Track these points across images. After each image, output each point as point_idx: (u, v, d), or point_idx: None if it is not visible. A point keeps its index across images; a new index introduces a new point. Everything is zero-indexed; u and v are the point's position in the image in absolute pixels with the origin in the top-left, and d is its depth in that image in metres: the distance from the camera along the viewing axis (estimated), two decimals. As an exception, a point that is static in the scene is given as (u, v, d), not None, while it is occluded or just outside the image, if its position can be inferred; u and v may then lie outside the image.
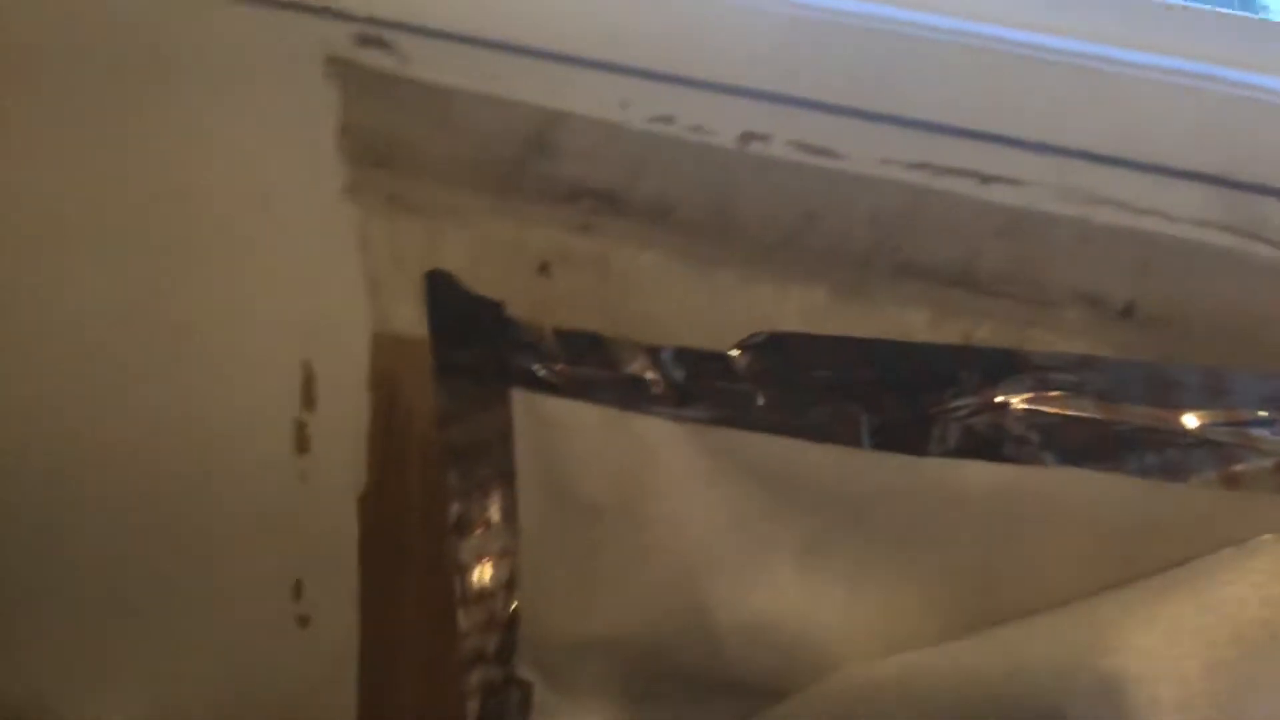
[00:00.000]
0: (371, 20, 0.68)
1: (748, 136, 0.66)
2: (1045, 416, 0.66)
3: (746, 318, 0.69)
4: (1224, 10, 0.66)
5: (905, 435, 0.68)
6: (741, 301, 0.70)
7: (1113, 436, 0.65)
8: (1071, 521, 0.67)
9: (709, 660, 0.76)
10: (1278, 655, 0.60)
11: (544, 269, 0.72)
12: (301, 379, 0.80)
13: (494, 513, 0.79)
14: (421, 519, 0.82)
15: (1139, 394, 0.65)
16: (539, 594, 0.80)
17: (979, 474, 0.67)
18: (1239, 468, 0.64)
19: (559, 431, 0.74)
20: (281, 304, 0.78)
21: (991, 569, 0.69)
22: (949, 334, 0.68)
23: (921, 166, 0.64)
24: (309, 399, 0.80)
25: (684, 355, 0.70)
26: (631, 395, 0.71)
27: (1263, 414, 0.63)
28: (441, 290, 0.73)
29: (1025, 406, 0.66)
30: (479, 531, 0.79)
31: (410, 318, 0.75)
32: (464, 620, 0.81)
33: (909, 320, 0.68)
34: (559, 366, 0.73)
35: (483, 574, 0.81)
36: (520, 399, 0.74)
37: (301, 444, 0.82)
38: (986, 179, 0.64)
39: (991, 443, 0.67)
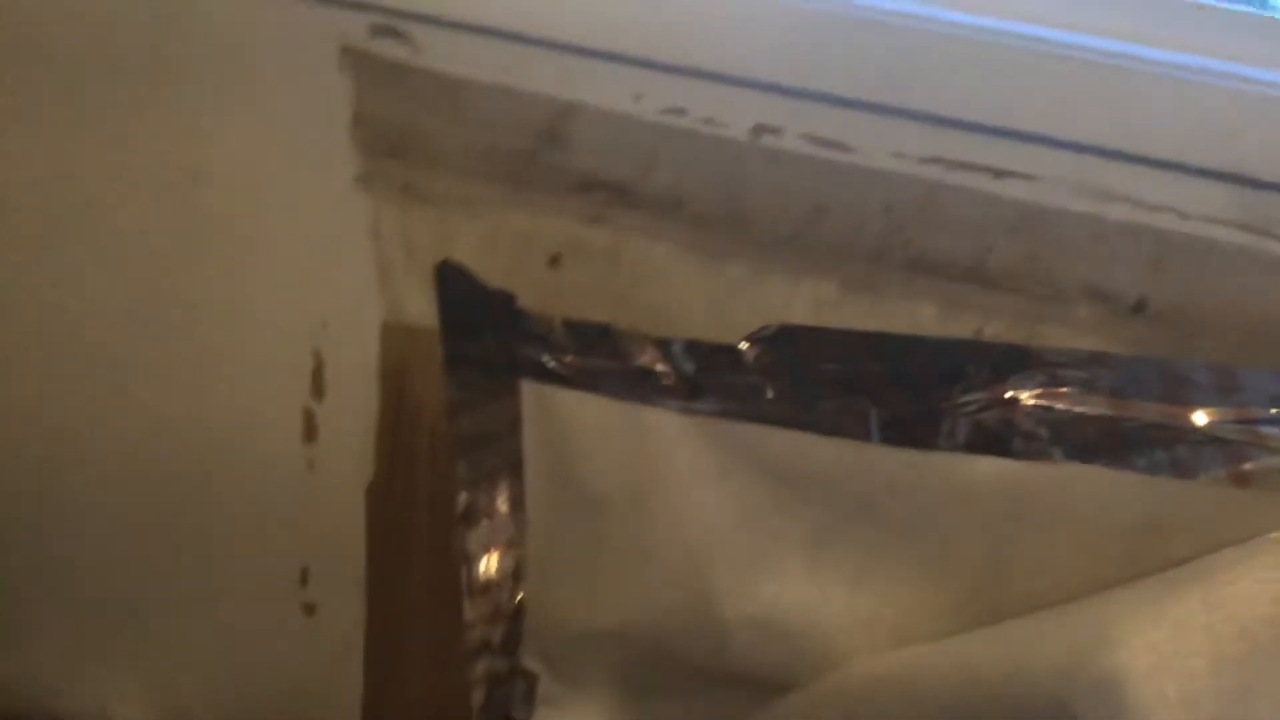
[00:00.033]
0: (386, 11, 0.68)
1: (760, 129, 0.66)
2: (1055, 412, 0.66)
3: (757, 311, 0.69)
4: (1239, 7, 0.66)
5: (914, 430, 0.68)
6: (752, 294, 0.70)
7: (1122, 433, 0.65)
8: (1079, 518, 0.67)
9: (714, 653, 0.76)
10: (1285, 653, 0.60)
11: (555, 260, 0.72)
12: (311, 368, 0.80)
13: (501, 504, 0.79)
14: (429, 509, 0.82)
15: (1149, 391, 0.65)
16: (545, 585, 0.80)
17: (987, 469, 0.67)
18: (1248, 466, 0.64)
19: (568, 423, 0.74)
20: (292, 293, 0.78)
21: (999, 564, 0.69)
22: (959, 329, 0.68)
23: (934, 161, 0.64)
24: (318, 388, 0.80)
25: (694, 348, 0.70)
26: (641, 387, 0.71)
27: (1273, 412, 0.63)
28: (452, 281, 0.73)
29: (1035, 402, 0.66)
30: (486, 522, 0.79)
31: (420, 308, 0.75)
32: (470, 610, 0.81)
33: (919, 315, 0.68)
34: (569, 358, 0.73)
35: (489, 564, 0.81)
36: (529, 390, 0.74)
37: (310, 433, 0.82)
38: (999, 174, 0.64)
39: (1000, 438, 0.67)
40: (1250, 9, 0.67)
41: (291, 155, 0.74)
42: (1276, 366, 0.63)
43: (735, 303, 0.70)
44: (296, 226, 0.76)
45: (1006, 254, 0.66)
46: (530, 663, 0.83)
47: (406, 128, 0.71)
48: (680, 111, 0.66)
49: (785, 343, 0.69)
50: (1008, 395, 0.66)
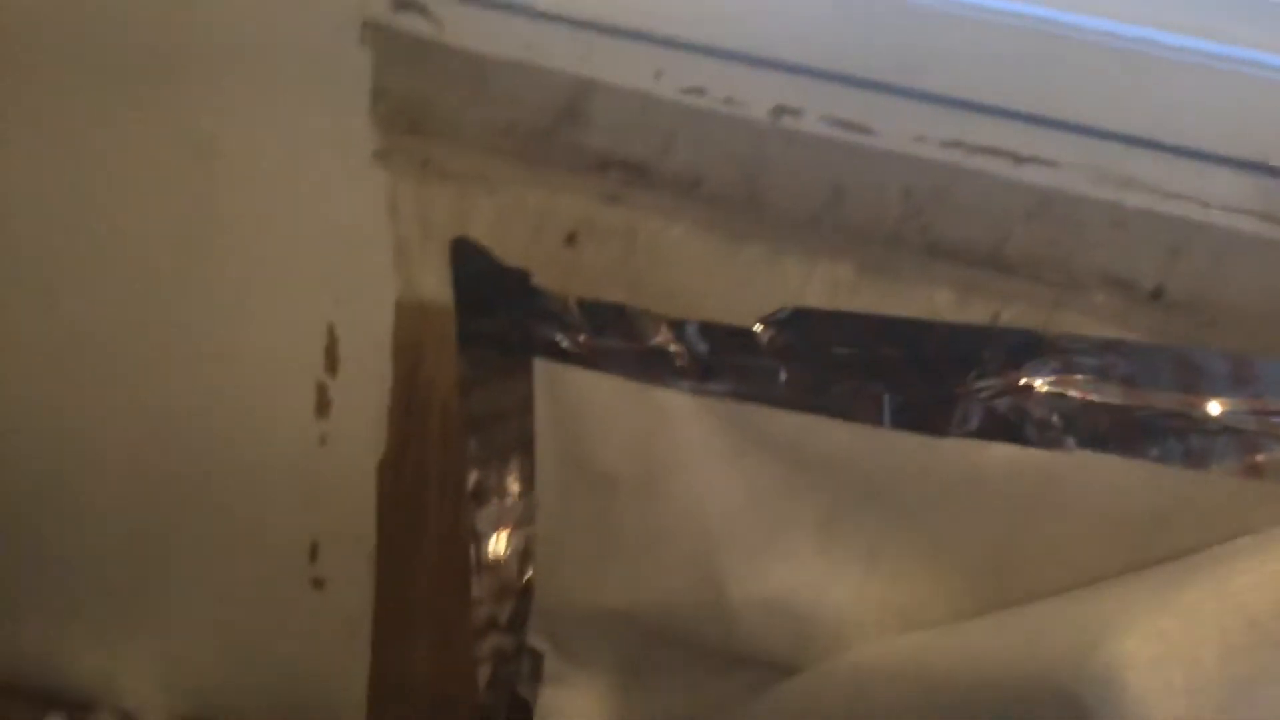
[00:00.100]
0: (408, -15, 0.68)
1: (780, 110, 0.66)
2: (1068, 400, 0.66)
3: (772, 292, 0.69)
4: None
5: (927, 415, 0.68)
6: (768, 276, 0.70)
7: (1136, 422, 0.65)
8: (1091, 506, 0.67)
9: (722, 634, 0.76)
10: (1293, 644, 0.60)
11: (571, 239, 0.72)
12: (325, 342, 0.80)
13: (512, 482, 0.79)
14: (439, 486, 0.83)
15: (1164, 379, 0.65)
16: (554, 564, 0.81)
17: (1000, 456, 0.67)
18: (1261, 457, 0.64)
19: (580, 402, 0.74)
20: (308, 266, 0.78)
21: (1009, 551, 0.69)
22: (976, 314, 0.68)
23: (955, 145, 0.64)
24: (331, 362, 0.81)
25: (708, 329, 0.70)
26: (654, 368, 0.71)
27: (1289, 403, 0.63)
28: (467, 258, 0.73)
29: (1049, 389, 0.66)
30: (496, 500, 0.80)
31: (435, 285, 0.75)
32: (478, 588, 0.82)
33: (936, 299, 0.68)
34: (582, 337, 0.73)
35: (498, 542, 0.81)
36: (542, 369, 0.74)
37: (322, 407, 0.82)
38: (1020, 160, 0.64)
39: (1013, 425, 0.67)
40: (1275, -2, 0.67)
41: (309, 130, 0.74)
42: (1293, 357, 0.63)
43: (751, 284, 0.70)
44: (313, 202, 0.76)
45: (1025, 240, 0.65)
46: (536, 641, 0.84)
47: (426, 104, 0.71)
48: (700, 91, 0.66)
49: (799, 325, 0.69)
50: (1022, 382, 0.66)
